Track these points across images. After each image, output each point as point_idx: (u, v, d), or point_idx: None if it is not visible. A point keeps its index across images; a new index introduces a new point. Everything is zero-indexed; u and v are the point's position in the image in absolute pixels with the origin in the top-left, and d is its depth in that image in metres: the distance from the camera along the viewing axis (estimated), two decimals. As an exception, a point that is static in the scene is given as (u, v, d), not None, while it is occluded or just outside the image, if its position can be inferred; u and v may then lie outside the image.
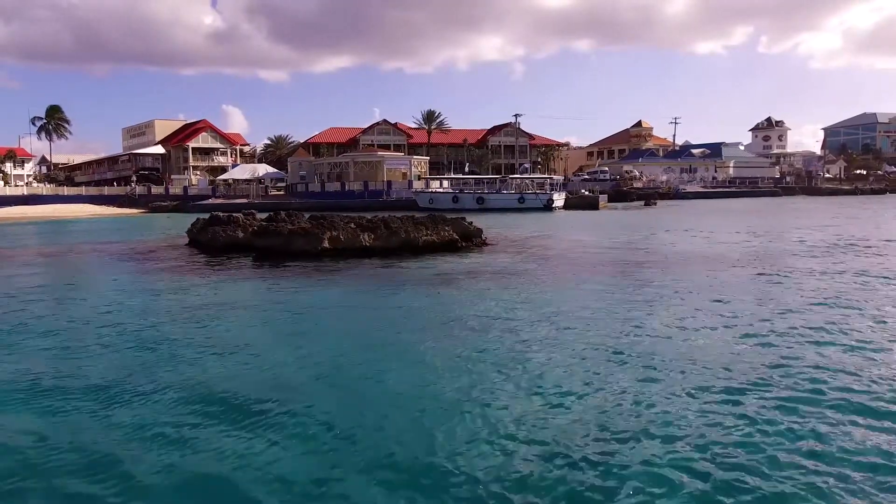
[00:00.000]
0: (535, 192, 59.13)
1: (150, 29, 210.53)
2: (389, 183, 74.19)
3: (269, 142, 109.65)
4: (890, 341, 9.89)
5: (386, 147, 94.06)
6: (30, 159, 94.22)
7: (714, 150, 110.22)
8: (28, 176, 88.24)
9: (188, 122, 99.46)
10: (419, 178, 74.54)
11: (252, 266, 21.30)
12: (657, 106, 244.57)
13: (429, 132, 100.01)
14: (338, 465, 5.98)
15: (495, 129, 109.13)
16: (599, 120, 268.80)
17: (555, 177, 67.88)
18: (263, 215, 27.70)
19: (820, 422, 6.75)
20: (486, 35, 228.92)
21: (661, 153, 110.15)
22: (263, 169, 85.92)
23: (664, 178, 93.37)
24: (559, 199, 59.00)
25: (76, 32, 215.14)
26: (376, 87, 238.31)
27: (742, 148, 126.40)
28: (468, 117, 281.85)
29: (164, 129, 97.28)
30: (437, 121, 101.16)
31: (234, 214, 27.77)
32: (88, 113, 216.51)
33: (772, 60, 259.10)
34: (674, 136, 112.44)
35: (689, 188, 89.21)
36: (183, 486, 5.69)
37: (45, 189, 76.71)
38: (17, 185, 78.74)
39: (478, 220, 27.14)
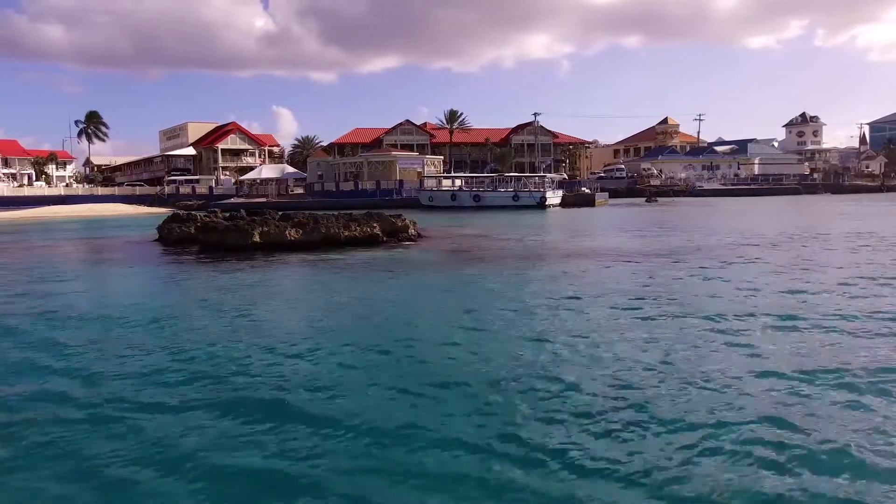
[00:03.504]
0: (529, 191, 60.37)
1: (205, 33, 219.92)
2: (401, 182, 76.39)
3: (296, 143, 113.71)
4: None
5: (409, 147, 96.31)
6: (71, 161, 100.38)
7: (742, 146, 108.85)
8: (69, 177, 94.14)
9: (219, 124, 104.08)
10: (432, 177, 76.54)
11: (183, 258, 23.60)
12: (706, 102, 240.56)
13: (451, 132, 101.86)
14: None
15: (518, 128, 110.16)
16: (646, 117, 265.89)
17: (549, 175, 68.85)
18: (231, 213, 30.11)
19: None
20: (534, 33, 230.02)
21: (687, 150, 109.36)
22: (285, 170, 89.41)
23: (683, 175, 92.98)
24: (554, 196, 60.11)
25: (134, 37, 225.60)
26: (423, 86, 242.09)
27: (775, 144, 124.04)
28: (513, 114, 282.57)
29: (196, 131, 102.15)
30: (459, 120, 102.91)
31: (193, 213, 30.38)
32: (143, 115, 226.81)
33: (828, 54, 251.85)
34: (698, 132, 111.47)
35: (708, 186, 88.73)
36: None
37: (81, 189, 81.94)
38: (56, 186, 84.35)
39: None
